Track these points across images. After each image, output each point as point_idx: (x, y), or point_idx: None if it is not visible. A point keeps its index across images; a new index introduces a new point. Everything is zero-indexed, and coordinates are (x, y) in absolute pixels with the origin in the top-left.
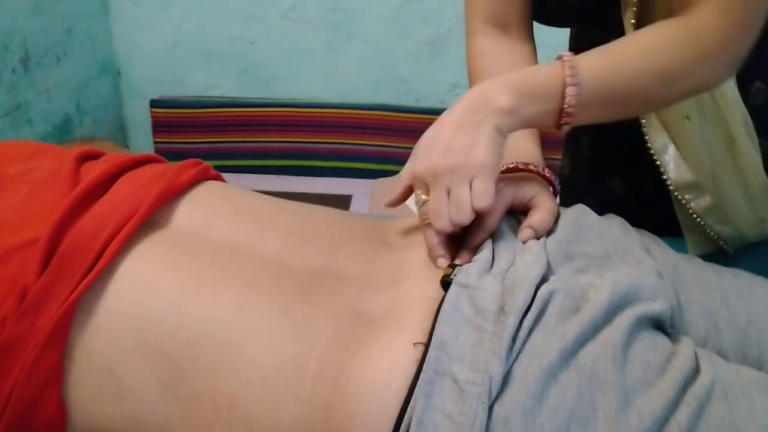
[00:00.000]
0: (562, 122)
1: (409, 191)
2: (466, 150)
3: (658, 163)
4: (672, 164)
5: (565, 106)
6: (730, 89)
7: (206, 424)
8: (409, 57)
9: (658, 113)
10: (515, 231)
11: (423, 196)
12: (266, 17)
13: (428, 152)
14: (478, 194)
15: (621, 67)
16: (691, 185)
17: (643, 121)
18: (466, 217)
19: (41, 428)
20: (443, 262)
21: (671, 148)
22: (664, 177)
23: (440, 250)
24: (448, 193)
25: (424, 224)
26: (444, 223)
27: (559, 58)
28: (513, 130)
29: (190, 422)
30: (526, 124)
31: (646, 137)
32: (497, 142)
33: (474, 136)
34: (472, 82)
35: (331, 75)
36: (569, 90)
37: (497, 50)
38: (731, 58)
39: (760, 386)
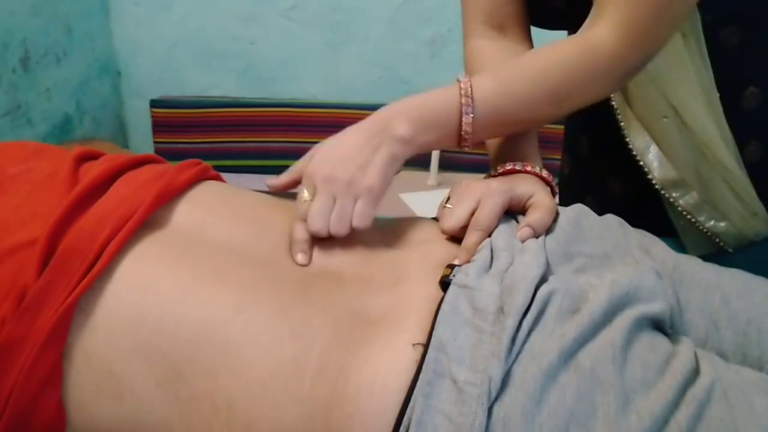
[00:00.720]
0: (461, 145)
1: (294, 184)
2: (361, 169)
3: (641, 163)
4: (655, 163)
5: (462, 133)
6: (694, 102)
7: (205, 425)
8: (409, 57)
9: (637, 114)
10: (514, 231)
11: (307, 194)
12: (266, 17)
13: (327, 158)
14: (359, 215)
15: (513, 93)
16: (676, 182)
17: (622, 123)
18: (343, 231)
19: (40, 429)
20: (303, 258)
21: (653, 147)
22: (649, 177)
23: (304, 246)
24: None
25: (299, 218)
26: (321, 228)
27: (458, 81)
28: (410, 155)
29: (189, 422)
30: (425, 149)
31: (627, 139)
32: (390, 168)
33: (370, 159)
34: None
35: (331, 75)
36: (465, 118)
37: (495, 52)
38: (621, 75)
39: (760, 387)
